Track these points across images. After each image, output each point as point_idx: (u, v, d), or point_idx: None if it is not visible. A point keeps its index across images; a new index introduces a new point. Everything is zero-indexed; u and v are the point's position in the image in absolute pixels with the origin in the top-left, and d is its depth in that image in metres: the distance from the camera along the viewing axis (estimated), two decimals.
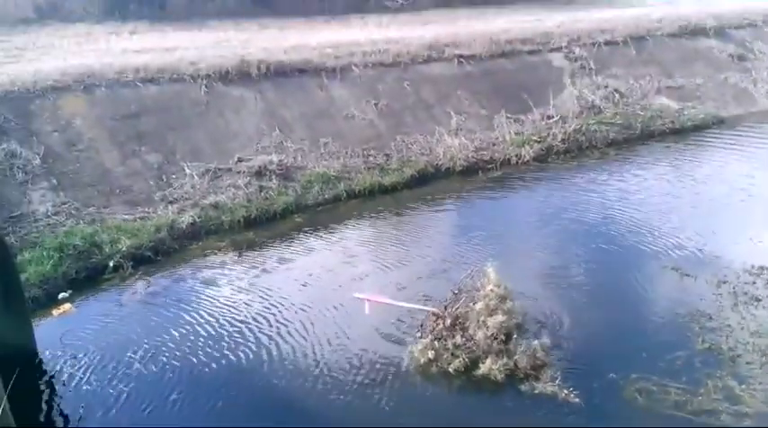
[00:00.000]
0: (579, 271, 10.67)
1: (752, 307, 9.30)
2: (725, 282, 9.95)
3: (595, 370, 8.09)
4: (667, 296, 9.78)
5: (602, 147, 17.10)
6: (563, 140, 16.80)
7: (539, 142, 16.57)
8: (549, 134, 16.91)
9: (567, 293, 9.97)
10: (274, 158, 14.53)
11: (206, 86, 15.91)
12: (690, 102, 19.54)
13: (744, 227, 11.92)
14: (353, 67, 17.76)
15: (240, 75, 16.46)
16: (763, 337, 8.56)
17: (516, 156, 16.10)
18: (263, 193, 13.76)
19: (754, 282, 9.91)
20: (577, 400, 7.50)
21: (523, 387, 7.77)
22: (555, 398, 7.56)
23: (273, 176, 14.15)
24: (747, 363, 8.08)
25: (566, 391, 7.61)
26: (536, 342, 8.32)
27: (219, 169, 14.21)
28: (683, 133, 18.14)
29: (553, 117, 17.54)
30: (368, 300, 9.56)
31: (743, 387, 7.64)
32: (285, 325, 9.35)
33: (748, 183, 14.17)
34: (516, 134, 16.81)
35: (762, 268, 10.23)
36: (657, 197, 13.78)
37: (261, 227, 12.97)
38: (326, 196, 14.11)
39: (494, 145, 16.45)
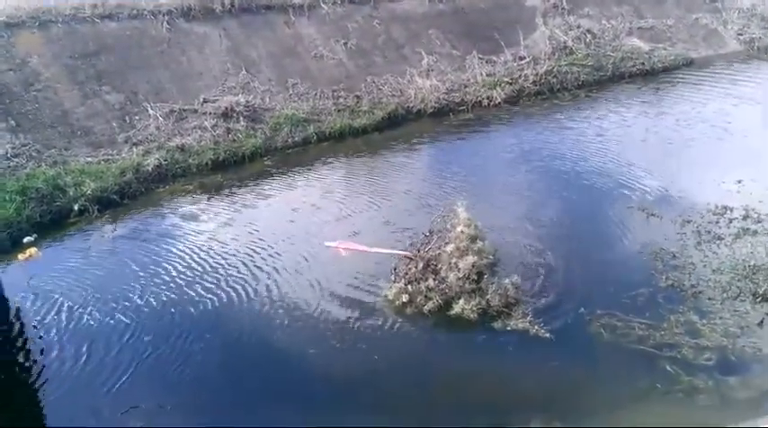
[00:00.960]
0: (548, 210, 10.79)
1: (714, 245, 9.54)
2: (689, 222, 10.16)
3: (564, 307, 8.31)
4: (633, 235, 9.97)
5: (574, 88, 17.05)
6: (534, 82, 16.69)
7: (510, 84, 16.44)
8: (520, 76, 16.76)
9: (536, 231, 10.09)
10: (241, 99, 14.16)
11: (168, 23, 15.28)
12: (661, 43, 19.49)
13: (708, 167, 12.11)
14: (322, 4, 17.20)
15: (203, 11, 15.82)
16: (724, 274, 8.82)
17: (488, 98, 15.96)
18: (230, 136, 13.46)
19: (717, 222, 10.14)
20: (548, 335, 7.73)
21: (496, 325, 7.96)
22: (526, 334, 7.78)
23: (241, 118, 13.82)
24: (709, 299, 8.34)
25: (536, 327, 7.82)
26: (507, 280, 8.45)
27: (184, 110, 13.82)
28: (654, 74, 18.17)
29: (525, 58, 17.36)
30: (338, 248, 9.50)
31: (704, 321, 7.91)
32: (253, 273, 9.27)
33: (715, 125, 14.32)
34: (488, 75, 16.62)
35: (725, 208, 10.45)
36: (625, 138, 13.88)
37: (229, 170, 12.75)
38: (296, 139, 13.87)
39: (465, 86, 16.25)
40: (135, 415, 6.80)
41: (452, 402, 7.04)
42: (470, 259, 8.53)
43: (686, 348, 7.49)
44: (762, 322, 7.87)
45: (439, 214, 9.94)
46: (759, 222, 9.99)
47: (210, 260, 9.58)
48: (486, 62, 17.13)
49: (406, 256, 9.11)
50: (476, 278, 8.45)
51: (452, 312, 8.13)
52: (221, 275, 9.20)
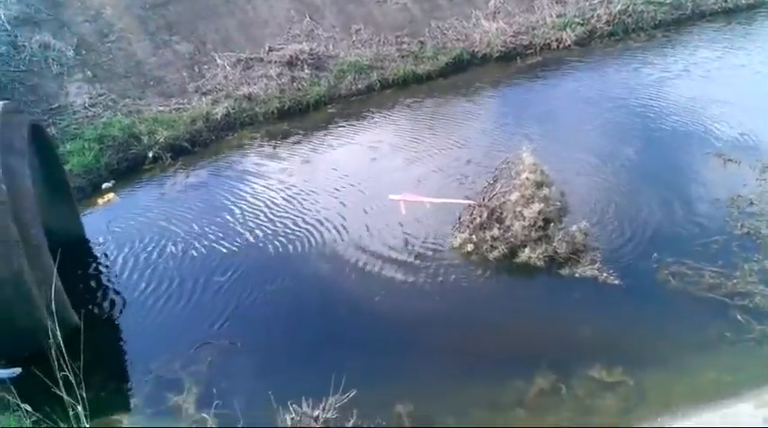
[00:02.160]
0: (620, 155, 10.48)
1: None
2: None
3: (633, 254, 8.18)
4: (709, 182, 9.57)
5: (650, 28, 16.08)
6: (608, 22, 15.84)
7: (582, 25, 15.68)
8: (593, 15, 15.94)
9: (606, 177, 9.88)
10: (305, 47, 14.16)
11: None
12: None
13: None
14: None
15: None
16: None
17: (557, 40, 15.32)
18: (295, 84, 13.55)
19: None
20: (617, 282, 7.63)
21: (563, 272, 7.93)
22: (595, 281, 7.72)
23: (305, 66, 13.86)
24: None
25: (605, 274, 7.73)
26: (575, 227, 8.30)
27: (251, 59, 13.98)
28: (737, 12, 16.88)
29: None
30: (403, 201, 9.48)
31: None
32: (327, 219, 9.47)
33: (747, 63, 13.41)
34: (558, 16, 15.90)
35: None
36: (704, 81, 13.13)
37: (294, 118, 12.90)
38: (359, 86, 13.82)
39: (533, 29, 15.63)
40: (208, 351, 7.20)
41: (516, 347, 7.10)
42: (536, 207, 8.37)
43: (759, 297, 7.26)
44: None
45: (504, 160, 9.78)
46: None
47: (280, 205, 9.88)
48: (557, 2, 16.37)
49: (470, 205, 9.07)
50: (542, 225, 8.32)
51: (518, 260, 8.12)
52: (291, 220, 9.47)
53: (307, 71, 13.76)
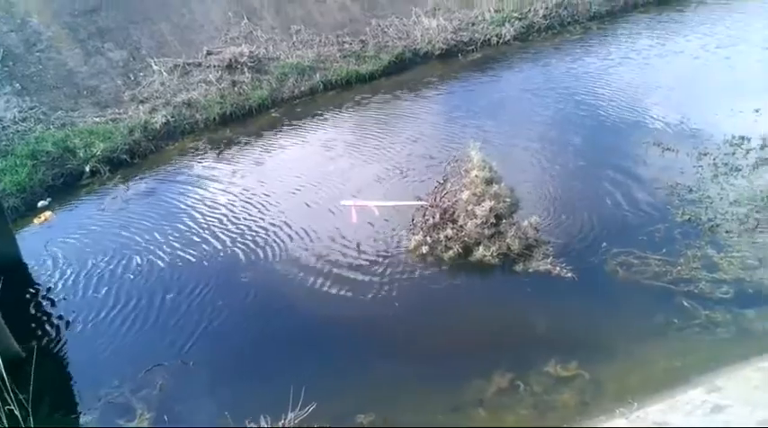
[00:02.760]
0: (564, 148, 10.67)
1: (731, 177, 9.39)
2: (705, 154, 9.99)
3: (582, 246, 8.30)
4: (649, 171, 9.81)
5: (585, 20, 16.50)
6: (545, 16, 16.17)
7: (520, 19, 15.95)
8: (530, 10, 16.24)
9: (553, 170, 10.03)
10: (245, 50, 13.88)
11: None
12: None
13: (725, 96, 11.80)
14: None
15: None
16: (741, 206, 8.71)
17: (497, 35, 15.53)
18: (236, 88, 13.27)
19: (734, 153, 9.95)
20: (569, 275, 7.74)
21: (518, 268, 7.99)
22: (548, 275, 7.81)
23: (246, 69, 13.59)
24: (726, 232, 8.27)
25: (558, 268, 7.84)
26: (526, 222, 8.39)
27: (188, 64, 13.61)
28: (667, 2, 17.47)
29: None
30: (354, 206, 9.33)
31: (721, 255, 7.87)
32: (275, 226, 9.28)
33: (730, 54, 13.88)
34: (496, 11, 16.12)
35: (742, 138, 10.23)
36: (639, 70, 13.51)
37: (237, 124, 12.64)
38: (302, 88, 13.65)
39: (473, 24, 15.79)
40: (159, 373, 6.94)
41: (473, 347, 7.10)
42: (487, 204, 8.44)
43: (703, 282, 7.47)
44: None
45: (452, 158, 9.79)
46: None
47: (227, 216, 9.62)
48: None
49: (423, 206, 9.04)
50: (494, 222, 8.39)
51: (473, 258, 8.15)
52: (240, 230, 9.24)
53: (247, 74, 13.50)
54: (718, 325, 6.96)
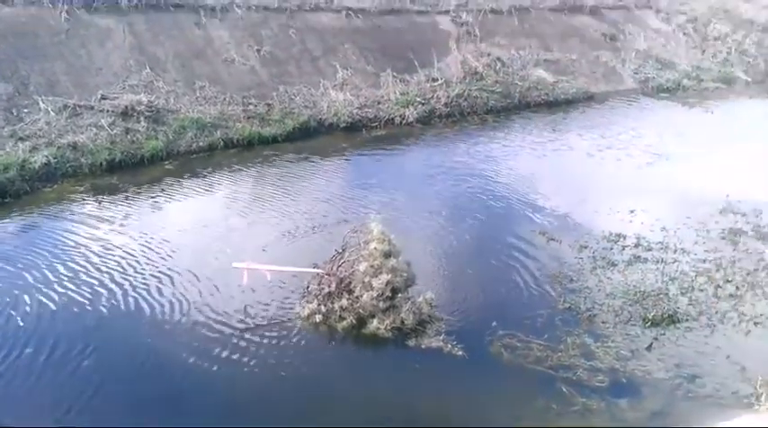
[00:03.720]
0: (458, 228, 10.92)
1: (608, 270, 9.92)
2: (586, 247, 10.54)
3: (473, 325, 8.35)
4: (535, 258, 10.20)
5: (482, 113, 17.51)
6: (446, 104, 17.00)
7: (423, 104, 16.65)
8: (433, 96, 17.02)
9: (447, 247, 10.22)
10: (143, 98, 13.43)
11: (67, 13, 14.35)
12: (564, 76, 20.44)
13: (605, 196, 12.70)
14: (236, 7, 16.75)
15: (108, 3, 15.00)
16: (616, 299, 9.17)
17: (400, 116, 16.07)
18: (129, 136, 12.71)
19: (611, 248, 10.58)
20: (461, 353, 7.72)
21: (410, 343, 7.92)
22: (440, 352, 7.77)
23: (142, 118, 13.10)
24: (602, 323, 8.62)
25: (449, 345, 7.82)
26: (421, 298, 8.38)
27: (80, 106, 12.93)
28: (557, 105, 18.99)
29: (438, 80, 17.66)
30: (247, 269, 8.80)
31: (597, 344, 8.15)
32: (158, 288, 8.68)
33: (612, 156, 15.10)
34: (402, 94, 16.74)
35: (618, 235, 10.93)
36: (531, 164, 14.33)
37: (126, 172, 12.01)
38: (201, 143, 13.31)
39: (379, 103, 16.28)
40: None
41: (354, 422, 6.80)
42: (384, 277, 8.33)
43: (581, 370, 7.67)
44: (650, 346, 8.20)
45: (351, 229, 9.70)
46: (649, 250, 10.52)
47: (99, 272, 8.92)
48: (401, 81, 17.28)
49: (318, 274, 8.82)
50: (390, 295, 8.30)
51: (367, 330, 8.01)
52: (115, 290, 8.58)
53: (143, 123, 13.00)
54: (593, 413, 7.09)
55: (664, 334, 8.45)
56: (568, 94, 19.54)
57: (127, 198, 11.11)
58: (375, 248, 8.72)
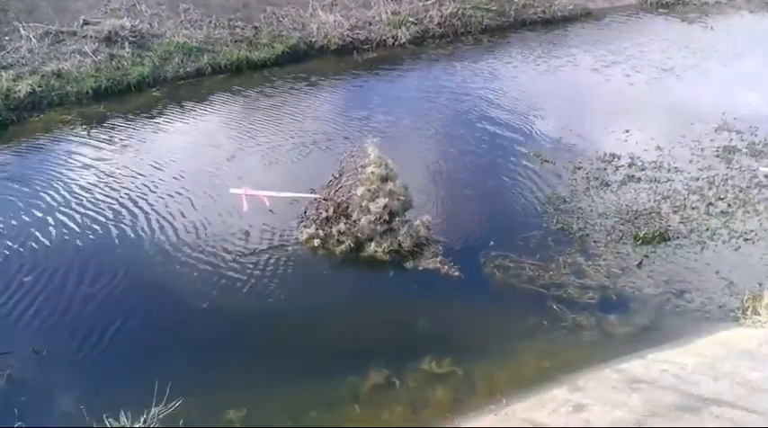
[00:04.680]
0: (455, 151, 10.93)
1: (601, 191, 9.97)
2: (579, 168, 10.54)
3: (468, 246, 8.48)
4: (529, 180, 10.22)
5: (477, 33, 17.00)
6: (439, 24, 16.50)
7: (415, 24, 16.16)
8: (425, 16, 16.50)
9: (443, 170, 10.25)
10: (126, 23, 13.01)
11: None
12: None
13: (600, 116, 12.59)
14: None
15: None
16: (609, 218, 9.26)
17: (393, 37, 15.64)
18: (114, 62, 12.39)
19: (605, 169, 10.58)
20: (457, 274, 7.88)
21: (408, 265, 8.09)
22: (437, 273, 7.94)
23: (126, 44, 12.73)
24: (594, 242, 8.75)
25: (446, 266, 7.98)
26: (418, 221, 8.46)
27: (62, 32, 12.54)
28: (554, 23, 18.40)
29: None
30: (245, 195, 8.76)
31: (589, 263, 8.30)
32: (159, 212, 8.73)
33: (610, 75, 14.80)
34: (393, 14, 16.22)
35: (612, 155, 10.91)
36: (526, 85, 14.07)
37: (113, 100, 11.80)
38: (188, 69, 13.00)
39: (370, 24, 15.80)
40: (6, 362, 6.26)
41: (354, 343, 6.99)
42: (382, 201, 8.35)
43: (572, 288, 7.84)
44: (641, 263, 8.35)
45: (348, 153, 9.62)
46: (642, 170, 10.53)
47: (100, 197, 8.98)
48: (392, 0, 16.69)
49: (316, 199, 8.84)
50: (387, 219, 8.36)
51: (364, 254, 8.16)
52: (114, 215, 8.65)
53: (128, 49, 12.65)
54: (583, 328, 7.30)
55: (654, 252, 8.59)
56: (565, 11, 18.87)
57: (115, 126, 10.97)
58: (372, 172, 8.68)
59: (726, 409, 5.56)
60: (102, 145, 10.32)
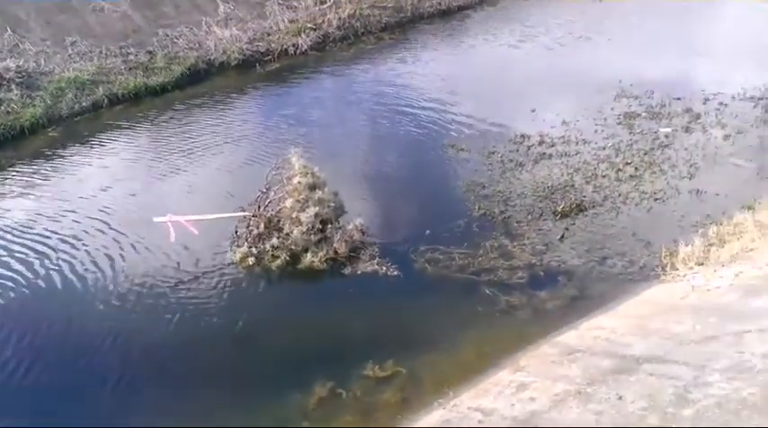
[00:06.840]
0: (373, 151, 11.07)
1: (516, 172, 10.23)
2: (493, 153, 10.77)
3: (398, 247, 8.47)
4: (448, 171, 10.39)
5: (377, 32, 17.06)
6: (339, 27, 16.45)
7: (314, 29, 16.06)
8: (324, 21, 16.41)
9: (367, 174, 10.30)
10: (11, 64, 12.31)
11: None
12: None
13: (506, 99, 12.93)
14: None
15: None
16: (527, 198, 9.52)
17: (293, 45, 15.48)
18: (2, 107, 11.68)
19: (517, 150, 10.85)
20: (396, 273, 7.89)
21: (346, 271, 8.05)
22: (375, 275, 7.93)
23: (13, 85, 12.03)
24: (517, 222, 8.95)
25: (384, 267, 7.99)
26: (351, 225, 8.42)
27: None
28: (450, 14, 18.67)
29: (326, 2, 16.99)
30: (170, 222, 8.40)
31: (514, 244, 8.48)
32: (70, 254, 8.38)
33: (504, 58, 15.22)
34: (291, 22, 16.07)
35: (522, 136, 11.20)
36: (431, 76, 14.26)
37: (7, 147, 11.17)
38: (84, 104, 12.42)
39: (268, 35, 15.58)
40: None
41: (294, 358, 6.87)
42: (312, 210, 8.28)
43: (501, 270, 7.99)
44: (562, 237, 8.61)
45: (273, 166, 9.39)
46: (552, 146, 10.87)
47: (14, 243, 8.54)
48: (288, 8, 16.54)
49: (245, 217, 8.60)
50: (320, 227, 8.30)
51: (301, 265, 8.07)
52: (39, 255, 8.32)
53: (15, 91, 11.97)
54: (516, 308, 7.46)
55: (574, 224, 8.88)
56: (460, 1, 19.27)
57: (15, 173, 10.40)
58: (299, 182, 8.56)
59: (657, 365, 5.78)
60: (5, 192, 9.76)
